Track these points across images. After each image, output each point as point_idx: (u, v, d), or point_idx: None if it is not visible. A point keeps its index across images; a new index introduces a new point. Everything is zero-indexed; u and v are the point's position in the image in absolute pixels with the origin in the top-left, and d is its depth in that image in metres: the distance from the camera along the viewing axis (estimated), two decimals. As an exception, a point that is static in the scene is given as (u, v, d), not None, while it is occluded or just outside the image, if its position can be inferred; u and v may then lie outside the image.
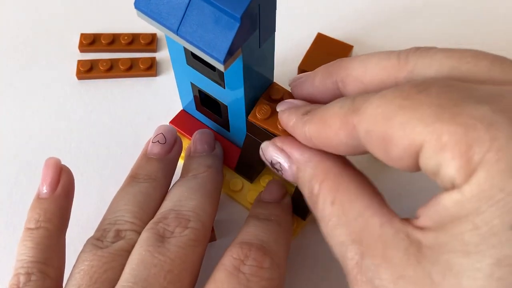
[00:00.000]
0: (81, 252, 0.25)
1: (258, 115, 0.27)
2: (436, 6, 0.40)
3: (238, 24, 0.21)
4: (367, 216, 0.20)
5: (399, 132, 0.19)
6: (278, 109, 0.27)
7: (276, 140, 0.25)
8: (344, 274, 0.22)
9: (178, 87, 0.32)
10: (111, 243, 0.25)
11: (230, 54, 0.22)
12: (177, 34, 0.23)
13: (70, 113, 0.36)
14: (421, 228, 0.19)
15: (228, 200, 0.32)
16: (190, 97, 0.31)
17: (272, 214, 0.28)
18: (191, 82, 0.30)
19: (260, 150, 0.26)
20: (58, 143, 0.35)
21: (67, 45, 0.39)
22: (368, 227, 0.20)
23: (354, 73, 0.24)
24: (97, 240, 0.25)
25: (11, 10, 0.41)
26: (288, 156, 0.24)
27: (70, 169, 0.27)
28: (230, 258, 0.24)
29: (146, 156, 0.29)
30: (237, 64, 0.25)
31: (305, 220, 0.31)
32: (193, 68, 0.28)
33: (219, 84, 0.27)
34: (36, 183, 0.30)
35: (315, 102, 0.26)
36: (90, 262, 0.24)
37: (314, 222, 0.31)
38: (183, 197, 0.27)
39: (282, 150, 0.25)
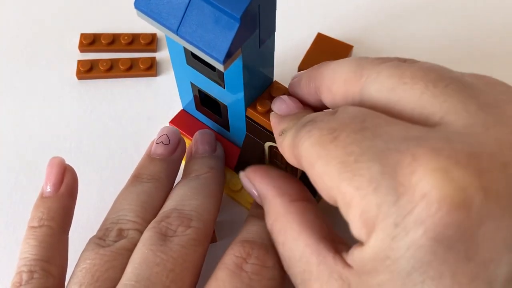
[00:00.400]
0: (83, 251, 0.25)
1: (259, 107, 0.27)
2: (436, 6, 0.40)
3: (237, 25, 0.21)
4: (307, 255, 0.22)
5: (319, 183, 0.20)
6: (272, 107, 0.27)
7: (248, 172, 0.27)
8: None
9: (178, 87, 0.32)
10: (114, 242, 0.25)
11: (230, 54, 0.22)
12: (177, 34, 0.23)
13: (70, 113, 0.36)
14: (349, 267, 0.20)
15: (228, 202, 0.32)
16: (190, 97, 0.31)
17: None
18: (191, 82, 0.30)
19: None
20: (58, 143, 0.35)
21: (67, 45, 0.39)
22: (308, 267, 0.21)
23: (326, 82, 0.24)
24: (100, 239, 0.25)
25: (11, 10, 0.41)
26: (255, 189, 0.26)
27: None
28: (232, 257, 0.24)
29: (149, 157, 0.29)
30: (237, 64, 0.25)
31: None
32: (193, 68, 0.28)
33: (219, 84, 0.27)
34: (36, 183, 0.30)
35: (305, 103, 0.27)
36: (92, 261, 0.24)
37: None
38: (186, 197, 0.27)
39: (250, 182, 0.26)
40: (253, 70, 0.26)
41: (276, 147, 0.29)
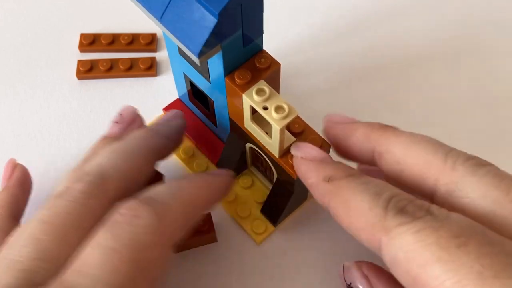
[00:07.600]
0: None
1: (238, 80, 0.25)
2: (434, 6, 0.40)
3: (215, 21, 0.22)
4: None
5: (422, 279, 0.18)
6: (292, 153, 0.25)
7: (363, 266, 0.24)
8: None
9: (174, 76, 0.32)
10: None
11: (206, 48, 0.22)
12: (160, 22, 0.23)
13: (70, 113, 0.36)
14: None
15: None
16: (184, 87, 0.32)
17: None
18: (183, 73, 0.30)
19: (341, 268, 0.25)
20: (58, 143, 0.35)
21: (67, 45, 0.39)
22: None
23: (393, 151, 0.23)
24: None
25: (11, 10, 0.41)
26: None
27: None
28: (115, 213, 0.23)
29: (102, 137, 0.29)
30: (219, 60, 0.25)
31: (275, 227, 0.30)
32: (183, 58, 0.28)
33: (204, 77, 0.27)
34: (36, 183, 0.30)
35: (345, 151, 0.25)
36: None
37: (283, 230, 0.31)
38: (94, 155, 0.27)
39: (367, 278, 0.24)
40: (237, 68, 0.26)
41: (257, 150, 0.29)
